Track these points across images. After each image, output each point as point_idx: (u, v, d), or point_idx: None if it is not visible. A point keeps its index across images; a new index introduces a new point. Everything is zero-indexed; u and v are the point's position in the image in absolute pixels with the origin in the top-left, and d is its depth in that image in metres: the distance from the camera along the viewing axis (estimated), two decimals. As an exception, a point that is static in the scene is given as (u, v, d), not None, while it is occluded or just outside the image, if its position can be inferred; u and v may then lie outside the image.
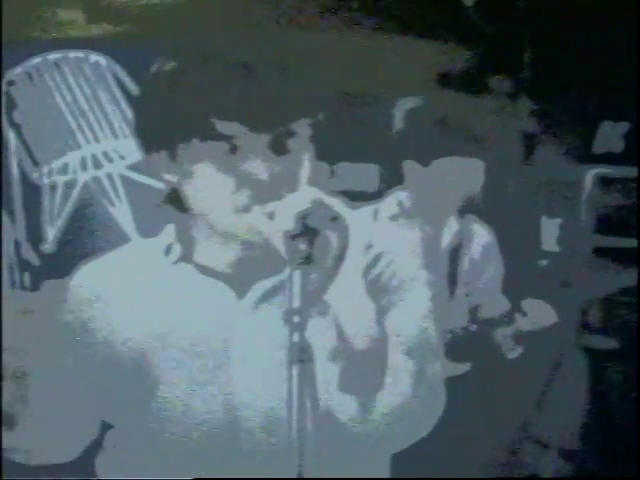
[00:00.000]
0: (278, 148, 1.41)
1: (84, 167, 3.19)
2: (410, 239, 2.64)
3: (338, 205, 1.38)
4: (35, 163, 3.19)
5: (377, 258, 1.53)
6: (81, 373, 1.54)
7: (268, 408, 1.45)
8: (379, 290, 1.49)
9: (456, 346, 2.71)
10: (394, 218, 2.73)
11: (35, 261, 3.18)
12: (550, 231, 3.84)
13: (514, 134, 3.93)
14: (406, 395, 1.44)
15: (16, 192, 3.17)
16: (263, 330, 1.46)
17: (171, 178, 1.48)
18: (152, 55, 1.51)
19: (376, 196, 2.88)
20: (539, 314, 2.81)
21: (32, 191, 3.19)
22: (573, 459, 3.58)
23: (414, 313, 1.52)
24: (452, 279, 2.81)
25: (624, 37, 3.45)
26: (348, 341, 1.40)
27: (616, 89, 3.56)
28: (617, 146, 3.84)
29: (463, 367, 2.76)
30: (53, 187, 3.19)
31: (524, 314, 2.79)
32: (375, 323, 1.42)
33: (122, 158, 3.17)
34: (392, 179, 2.81)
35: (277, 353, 1.36)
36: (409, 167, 2.70)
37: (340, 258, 1.38)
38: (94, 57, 3.17)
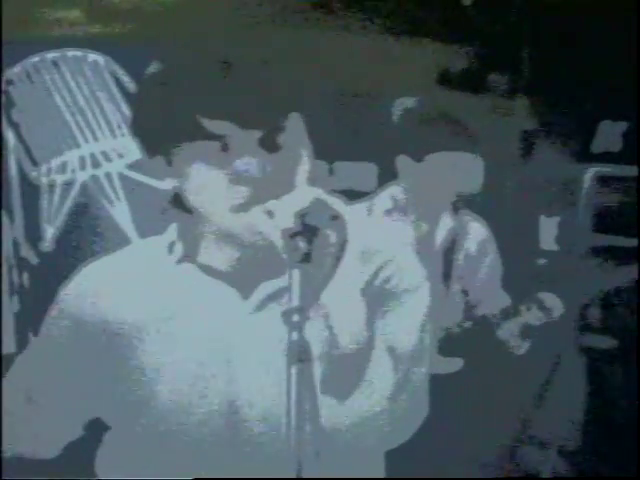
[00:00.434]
0: (270, 144, 1.40)
1: (83, 166, 3.19)
2: (404, 234, 2.65)
3: (338, 204, 1.38)
4: (34, 162, 3.19)
5: (384, 264, 1.52)
6: (80, 372, 1.54)
7: (271, 409, 1.45)
8: (380, 295, 1.49)
9: (450, 343, 2.71)
10: (388, 213, 2.74)
11: (34, 260, 3.18)
12: (549, 230, 3.84)
13: (512, 133, 3.93)
14: (387, 399, 1.44)
15: (15, 191, 3.17)
16: (267, 331, 1.45)
17: (171, 181, 1.48)
18: (151, 54, 1.51)
19: (374, 194, 2.88)
20: (548, 306, 2.80)
21: (31, 190, 3.18)
22: (573, 459, 3.58)
23: (412, 320, 1.51)
24: (446, 275, 2.81)
25: (624, 36, 3.45)
26: (336, 342, 1.40)
27: (615, 88, 3.56)
28: (616, 145, 3.84)
29: (456, 364, 2.75)
30: (52, 186, 3.19)
31: (529, 308, 2.78)
32: (365, 326, 1.42)
33: (121, 157, 3.17)
34: (388, 176, 2.82)
35: (280, 354, 1.36)
36: (402, 162, 2.71)
37: (338, 257, 1.38)
38: (92, 56, 3.17)
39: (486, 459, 3.10)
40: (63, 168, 3.19)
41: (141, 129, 1.48)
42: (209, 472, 1.45)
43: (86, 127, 3.17)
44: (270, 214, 1.38)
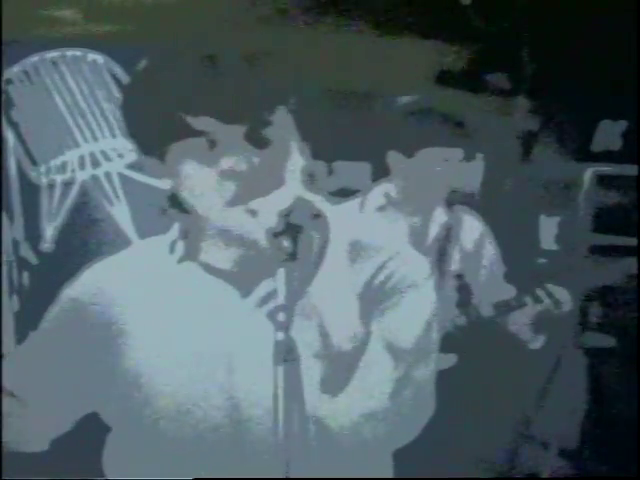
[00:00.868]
0: (257, 139, 1.40)
1: (82, 166, 3.18)
2: (397, 230, 2.65)
3: (320, 202, 1.39)
4: (33, 162, 3.19)
5: (386, 261, 1.52)
6: (76, 368, 1.54)
7: (270, 408, 1.44)
8: (382, 291, 1.49)
9: (445, 339, 2.70)
10: (381, 209, 2.74)
11: (33, 260, 3.17)
12: (549, 229, 3.84)
13: (513, 132, 3.93)
14: (388, 397, 1.44)
15: (14, 191, 3.17)
16: (267, 329, 1.45)
17: (167, 180, 1.48)
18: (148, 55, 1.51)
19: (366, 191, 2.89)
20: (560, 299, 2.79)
21: (30, 190, 3.18)
22: (573, 459, 3.58)
23: (417, 316, 1.51)
24: (441, 270, 2.80)
25: (624, 35, 3.45)
26: (329, 340, 1.40)
27: (615, 87, 3.56)
28: (616, 144, 3.85)
29: (449, 360, 2.74)
30: (51, 186, 3.18)
31: (537, 300, 2.77)
32: (359, 323, 1.42)
33: (120, 157, 3.16)
34: (383, 174, 2.82)
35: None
36: (393, 158, 2.72)
37: (322, 255, 1.38)
38: (92, 55, 3.17)
39: (486, 458, 3.09)
40: (63, 168, 3.19)
41: (131, 128, 1.48)
42: (209, 472, 1.45)
43: (85, 127, 3.16)
44: (253, 213, 1.39)
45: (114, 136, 3.16)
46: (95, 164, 3.19)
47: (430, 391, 1.52)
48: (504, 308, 2.80)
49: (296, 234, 1.34)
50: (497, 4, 3.74)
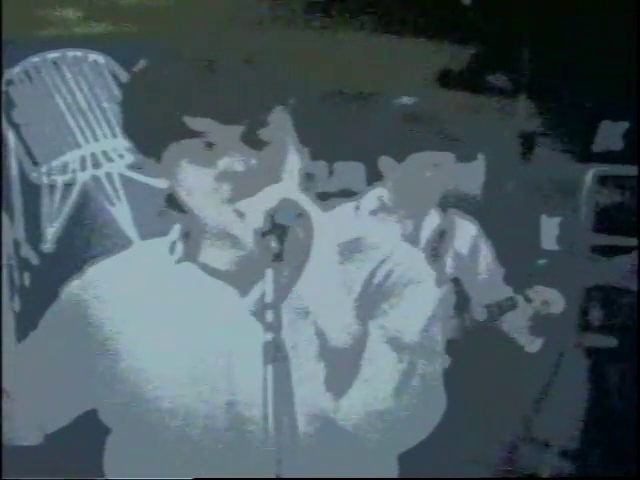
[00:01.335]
0: (254, 140, 1.40)
1: (83, 166, 3.19)
2: (389, 232, 2.66)
3: (304, 201, 1.39)
4: (34, 163, 3.19)
5: (384, 259, 1.52)
6: (74, 367, 1.55)
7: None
8: (382, 288, 1.49)
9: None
10: (374, 213, 2.75)
11: (35, 260, 3.17)
12: (550, 230, 3.83)
13: (513, 133, 3.93)
14: (393, 391, 1.43)
15: (15, 191, 3.17)
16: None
17: (164, 181, 1.48)
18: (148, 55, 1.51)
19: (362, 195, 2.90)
20: (548, 300, 2.80)
21: (31, 191, 3.18)
22: (573, 458, 3.58)
23: (419, 312, 1.50)
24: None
25: (624, 36, 3.45)
26: (326, 339, 1.40)
27: (616, 88, 3.56)
28: (617, 145, 3.84)
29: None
30: (52, 186, 3.19)
31: (530, 301, 2.77)
32: (358, 320, 1.42)
33: (121, 157, 3.17)
34: (375, 177, 2.84)
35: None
36: (385, 163, 2.73)
37: (307, 254, 1.39)
38: (93, 56, 3.17)
39: (486, 459, 3.09)
40: (64, 168, 3.19)
41: (128, 127, 1.49)
42: (209, 472, 1.45)
43: (87, 127, 3.16)
44: (240, 214, 1.39)
45: (115, 136, 3.16)
46: (96, 164, 3.19)
47: (439, 387, 1.51)
48: (496, 309, 2.80)
49: (282, 234, 1.35)
50: (497, 4, 3.74)
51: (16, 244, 3.17)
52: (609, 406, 3.64)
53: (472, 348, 2.79)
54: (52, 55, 3.17)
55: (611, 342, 3.62)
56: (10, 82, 3.16)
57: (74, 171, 3.19)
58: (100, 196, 3.18)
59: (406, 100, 2.77)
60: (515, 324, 2.81)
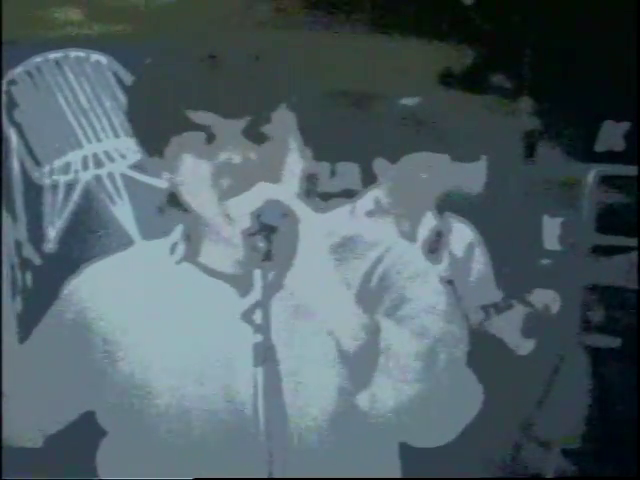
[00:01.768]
0: (255, 135, 1.41)
1: (85, 166, 3.19)
2: (387, 232, 2.66)
3: (290, 200, 1.39)
4: (36, 162, 3.19)
5: (381, 256, 1.52)
6: (74, 368, 1.55)
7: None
8: (384, 284, 1.49)
9: None
10: (370, 214, 2.76)
11: (37, 260, 3.18)
12: (552, 230, 3.84)
13: (516, 133, 3.93)
14: (419, 374, 1.43)
15: (17, 191, 3.17)
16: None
17: (167, 179, 1.48)
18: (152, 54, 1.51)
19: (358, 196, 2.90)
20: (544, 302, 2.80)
21: (33, 190, 3.18)
22: (575, 459, 3.58)
23: (422, 305, 1.50)
24: None
25: (625, 36, 3.45)
26: (335, 336, 1.40)
27: (617, 88, 3.56)
28: (618, 145, 3.85)
29: None
30: (55, 186, 3.19)
31: (527, 304, 2.78)
32: (361, 317, 1.41)
33: (123, 157, 3.17)
34: (370, 178, 2.84)
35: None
36: (379, 164, 2.73)
37: (294, 253, 1.39)
38: (95, 56, 3.17)
39: (489, 460, 3.09)
40: (66, 168, 3.19)
41: (135, 124, 1.49)
42: (209, 472, 1.45)
43: (89, 127, 3.17)
44: (227, 216, 1.40)
45: (117, 136, 3.16)
46: (98, 164, 3.19)
47: (468, 374, 1.51)
48: (492, 310, 2.81)
49: (270, 234, 1.35)
50: (499, 4, 3.74)
51: (18, 244, 3.17)
52: (609, 405, 3.64)
53: (472, 348, 2.78)
54: (54, 55, 3.17)
55: (613, 342, 3.63)
56: (13, 82, 3.17)
57: (76, 171, 3.19)
58: (102, 196, 3.18)
59: (407, 101, 2.77)
60: (505, 327, 2.81)
